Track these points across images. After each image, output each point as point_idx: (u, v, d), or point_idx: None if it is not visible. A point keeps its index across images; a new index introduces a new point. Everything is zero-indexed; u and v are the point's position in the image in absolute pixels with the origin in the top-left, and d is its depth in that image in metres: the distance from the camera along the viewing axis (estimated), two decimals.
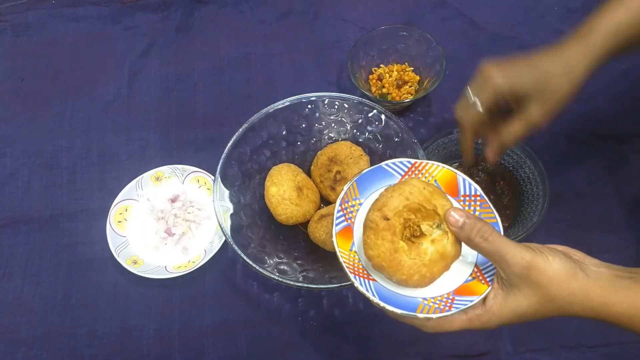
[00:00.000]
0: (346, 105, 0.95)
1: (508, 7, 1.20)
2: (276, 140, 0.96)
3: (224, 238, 0.90)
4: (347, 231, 0.65)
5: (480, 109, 0.75)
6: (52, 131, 1.10)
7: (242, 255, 0.79)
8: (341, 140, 0.98)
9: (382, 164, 0.68)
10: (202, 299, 0.92)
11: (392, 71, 1.10)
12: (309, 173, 0.98)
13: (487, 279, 0.60)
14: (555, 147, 1.02)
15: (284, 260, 0.86)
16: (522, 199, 0.95)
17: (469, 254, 0.63)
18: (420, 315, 0.58)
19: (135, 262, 0.92)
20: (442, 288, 0.61)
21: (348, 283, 0.77)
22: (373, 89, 1.09)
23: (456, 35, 1.16)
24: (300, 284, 0.78)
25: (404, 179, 0.66)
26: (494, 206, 0.93)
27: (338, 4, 1.23)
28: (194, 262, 0.92)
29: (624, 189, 0.98)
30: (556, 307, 0.55)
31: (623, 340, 0.85)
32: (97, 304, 0.93)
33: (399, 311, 0.58)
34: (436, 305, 0.59)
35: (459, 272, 0.62)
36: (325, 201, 0.96)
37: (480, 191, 0.65)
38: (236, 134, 0.89)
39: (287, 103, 0.92)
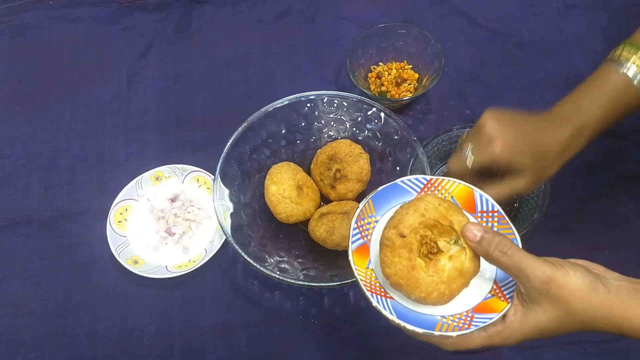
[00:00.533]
0: (345, 104, 0.95)
1: (507, 3, 1.20)
2: (276, 139, 0.96)
3: (224, 237, 0.90)
4: (364, 249, 0.64)
5: (469, 167, 0.76)
6: (50, 132, 1.10)
7: (243, 254, 0.79)
8: (341, 138, 0.98)
9: (398, 180, 0.67)
10: (202, 298, 0.92)
11: (391, 69, 1.10)
12: (308, 171, 0.98)
13: (507, 296, 0.59)
14: None
15: (284, 258, 0.86)
16: (521, 196, 0.95)
17: (488, 270, 0.62)
18: (438, 334, 0.57)
19: (135, 262, 0.92)
20: (461, 306, 0.60)
21: (349, 281, 0.77)
22: (372, 87, 1.09)
23: (455, 33, 1.16)
24: (301, 283, 0.78)
25: (419, 196, 0.65)
26: None
27: (336, 3, 1.23)
28: (194, 261, 0.92)
29: (624, 184, 0.98)
30: (577, 321, 0.54)
31: (624, 337, 0.85)
32: (97, 305, 0.93)
33: (418, 330, 0.57)
34: (455, 323, 0.58)
35: (478, 289, 0.61)
36: (325, 199, 0.96)
37: (497, 207, 0.65)
38: (235, 133, 0.89)
39: (286, 102, 0.92)
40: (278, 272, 0.79)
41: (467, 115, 1.07)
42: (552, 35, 1.16)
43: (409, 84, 1.08)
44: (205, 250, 0.94)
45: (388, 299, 0.61)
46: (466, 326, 0.57)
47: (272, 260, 0.85)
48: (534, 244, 0.91)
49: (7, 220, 1.01)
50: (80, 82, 1.16)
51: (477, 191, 0.66)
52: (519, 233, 0.87)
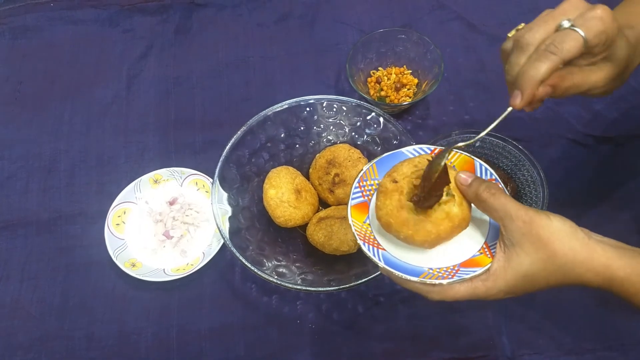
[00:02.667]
0: (344, 108, 0.96)
1: (506, 9, 1.20)
2: (275, 143, 0.96)
3: (222, 241, 0.90)
4: (363, 206, 0.68)
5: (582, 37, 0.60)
6: (50, 134, 1.10)
7: (241, 258, 0.79)
8: (339, 142, 0.98)
9: (402, 149, 0.71)
10: (200, 301, 0.92)
11: (391, 74, 1.10)
12: (307, 176, 0.98)
13: (494, 254, 0.61)
14: (553, 150, 1.02)
15: (282, 262, 0.86)
16: (520, 201, 0.95)
17: (480, 231, 0.64)
18: (421, 280, 0.59)
19: (133, 265, 0.92)
20: (449, 260, 0.63)
21: (347, 286, 0.77)
22: (371, 92, 1.09)
23: (454, 38, 1.17)
24: (298, 287, 0.78)
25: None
26: None
27: (336, 7, 1.24)
28: (192, 264, 0.92)
29: (622, 191, 0.98)
30: (559, 265, 0.55)
31: (623, 343, 0.85)
32: (95, 307, 0.93)
33: (403, 275, 0.60)
34: (440, 274, 0.61)
35: (468, 248, 0.63)
36: (324, 204, 0.96)
37: (495, 175, 0.67)
38: (234, 136, 0.89)
39: (286, 106, 0.92)
40: (276, 276, 0.79)
41: (467, 120, 1.07)
42: None
43: (408, 89, 1.08)
44: (203, 253, 0.94)
45: (380, 250, 0.64)
46: (450, 277, 0.59)
47: (270, 264, 0.85)
48: None
49: (5, 221, 1.01)
50: (80, 84, 1.16)
51: (477, 161, 0.68)
52: None
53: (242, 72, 1.16)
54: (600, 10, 0.60)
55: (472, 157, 0.69)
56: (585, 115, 1.06)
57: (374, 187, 0.69)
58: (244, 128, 0.89)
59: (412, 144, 0.71)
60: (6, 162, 1.07)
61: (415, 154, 0.70)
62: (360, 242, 0.63)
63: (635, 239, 0.93)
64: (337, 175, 0.93)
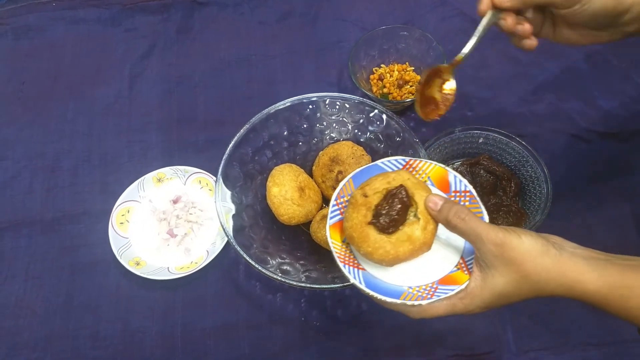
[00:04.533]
0: (347, 106, 0.95)
1: None
2: (277, 140, 0.96)
3: (226, 239, 0.90)
4: (341, 224, 0.67)
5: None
6: (53, 134, 1.10)
7: (245, 255, 0.79)
8: (342, 140, 0.98)
9: (378, 161, 0.70)
10: (204, 300, 0.92)
11: (393, 71, 1.10)
12: (310, 173, 0.97)
13: (470, 270, 0.62)
14: (556, 146, 1.02)
15: (286, 260, 0.86)
16: (524, 198, 0.95)
17: (456, 246, 0.65)
18: (401, 302, 0.60)
19: (137, 264, 0.92)
20: (427, 278, 0.64)
21: (351, 283, 0.77)
22: (374, 89, 1.09)
23: (457, 34, 1.16)
24: (303, 284, 0.78)
25: (396, 170, 0.68)
26: (497, 206, 0.93)
27: (338, 5, 1.23)
28: (196, 263, 0.92)
29: (626, 187, 0.98)
30: (532, 284, 0.56)
31: (626, 339, 0.85)
32: (99, 306, 0.93)
33: (383, 298, 0.61)
34: (419, 294, 0.61)
35: (445, 263, 0.64)
36: (327, 201, 0.96)
37: (470, 187, 0.67)
38: (237, 134, 0.89)
39: (288, 103, 0.92)
40: (280, 274, 0.79)
41: (469, 117, 1.07)
42: None
43: (410, 86, 1.08)
44: (207, 251, 0.94)
45: (360, 270, 0.65)
46: (429, 296, 0.60)
47: (274, 262, 0.85)
48: None
49: (10, 221, 1.01)
50: (82, 84, 1.16)
51: (452, 172, 0.69)
52: None
53: (245, 71, 1.16)
54: None
55: (447, 168, 0.69)
56: (589, 112, 1.06)
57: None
58: (246, 126, 0.89)
59: (388, 157, 0.71)
60: (10, 162, 1.07)
61: (391, 167, 0.70)
62: (340, 264, 0.64)
63: (637, 234, 0.93)
64: (340, 172, 0.93)
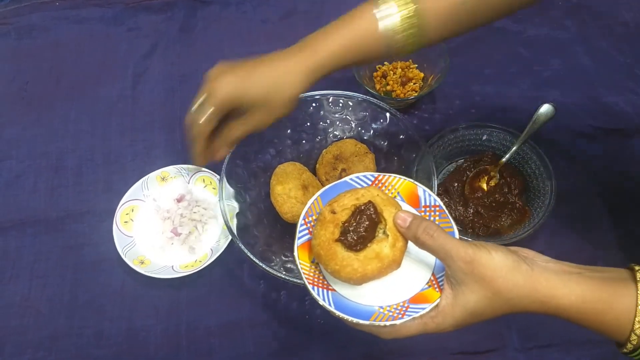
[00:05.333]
0: (350, 103, 0.95)
1: None
2: (281, 138, 0.96)
3: (230, 237, 0.90)
4: (310, 244, 0.66)
5: (210, 118, 0.77)
6: (57, 133, 1.10)
7: (249, 254, 0.79)
8: (346, 138, 0.98)
9: (347, 178, 0.69)
10: (209, 298, 0.92)
11: (396, 68, 1.09)
12: (314, 171, 0.97)
13: (442, 287, 0.60)
14: (560, 142, 1.02)
15: (290, 258, 0.86)
16: (528, 195, 0.95)
17: (427, 263, 0.63)
18: (369, 323, 0.59)
19: (142, 262, 0.92)
20: (399, 296, 0.62)
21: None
22: (377, 87, 1.09)
23: None
24: None
25: (365, 187, 0.67)
26: (500, 203, 0.93)
27: (341, 3, 1.21)
28: (200, 261, 0.92)
29: (631, 183, 0.97)
30: (505, 300, 0.55)
31: None
32: (104, 305, 0.93)
33: (354, 320, 0.59)
34: (390, 313, 0.60)
35: (417, 281, 0.63)
36: None
37: (439, 202, 0.67)
38: None
39: None
40: (284, 272, 0.79)
41: (473, 114, 1.07)
42: (558, 33, 1.16)
43: (414, 83, 1.08)
44: (212, 250, 0.94)
45: (330, 291, 0.63)
46: (400, 316, 0.59)
47: (278, 260, 0.85)
48: (540, 243, 0.92)
49: (14, 221, 1.01)
50: (85, 83, 1.16)
51: (421, 187, 0.68)
52: (526, 231, 0.88)
53: None
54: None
55: (415, 182, 0.69)
56: (593, 108, 1.06)
57: None
58: None
59: (357, 173, 0.70)
60: (14, 162, 1.08)
61: (360, 184, 0.69)
62: (309, 287, 0.62)
63: None
64: (344, 170, 0.93)
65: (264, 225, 0.90)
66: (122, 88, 1.15)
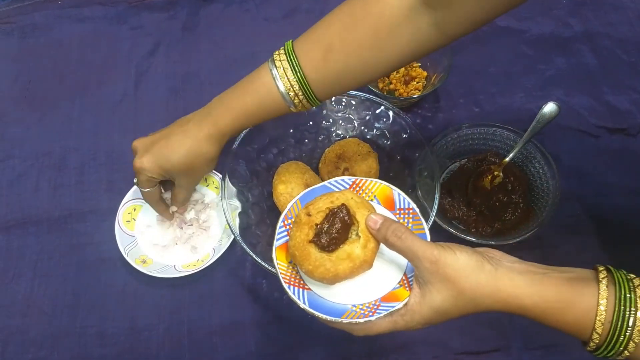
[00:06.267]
0: (353, 102, 0.95)
1: None
2: (283, 138, 0.96)
3: (232, 237, 0.90)
4: (287, 245, 0.68)
5: (150, 192, 0.88)
6: (59, 132, 1.10)
7: (251, 253, 0.79)
8: (349, 137, 0.98)
9: (325, 182, 0.72)
10: (211, 298, 0.92)
11: None
12: (317, 170, 0.97)
13: (412, 286, 0.62)
14: (564, 142, 1.02)
15: None
16: (532, 194, 0.95)
17: (399, 264, 0.66)
18: (345, 321, 0.61)
19: (144, 262, 0.92)
20: (371, 295, 0.64)
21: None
22: (380, 85, 1.08)
23: None
24: None
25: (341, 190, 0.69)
26: (504, 202, 0.93)
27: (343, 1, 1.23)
28: (202, 261, 0.92)
29: (635, 182, 0.97)
30: (469, 299, 0.57)
31: None
32: (106, 304, 0.93)
33: (327, 317, 0.62)
34: (362, 311, 0.62)
35: (389, 281, 0.65)
36: None
37: (412, 205, 0.70)
38: (243, 132, 0.89)
39: None
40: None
41: (476, 113, 1.06)
42: (562, 32, 1.15)
43: (417, 82, 1.07)
44: (214, 249, 0.94)
45: (306, 290, 0.66)
46: (371, 314, 0.61)
47: None
48: (545, 243, 0.92)
49: (17, 220, 1.01)
50: (88, 82, 1.16)
51: (396, 190, 0.71)
52: (530, 231, 0.87)
53: (251, 68, 1.14)
54: None
55: (391, 186, 0.71)
56: (597, 107, 1.05)
57: None
58: None
59: (336, 177, 0.73)
60: (17, 161, 1.08)
61: (338, 187, 0.72)
62: (285, 285, 0.65)
63: None
64: (346, 169, 0.92)
65: (266, 224, 0.90)
66: (125, 87, 1.15)
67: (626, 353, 0.53)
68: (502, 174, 0.94)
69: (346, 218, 0.63)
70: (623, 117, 1.04)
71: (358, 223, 0.63)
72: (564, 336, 0.84)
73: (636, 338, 0.52)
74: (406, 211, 0.70)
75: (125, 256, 0.91)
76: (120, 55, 1.20)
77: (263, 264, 0.78)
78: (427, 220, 0.77)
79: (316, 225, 0.63)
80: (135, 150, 0.84)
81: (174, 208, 0.95)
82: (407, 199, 0.70)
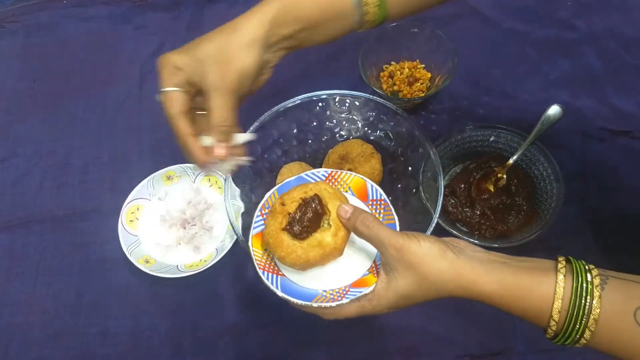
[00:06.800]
0: (357, 103, 0.95)
1: (520, 2, 1.19)
2: (287, 138, 0.96)
3: (235, 237, 0.90)
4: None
5: (180, 96, 0.71)
6: (64, 131, 1.11)
7: (254, 254, 0.79)
8: (352, 138, 0.98)
9: (302, 174, 0.76)
10: (213, 298, 0.92)
11: (404, 68, 1.09)
12: None
13: (380, 272, 0.65)
14: (568, 144, 1.01)
15: None
16: (535, 197, 0.94)
17: (369, 252, 0.69)
18: (315, 305, 0.64)
19: (147, 262, 0.92)
20: (341, 281, 0.68)
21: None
22: (384, 87, 1.08)
23: (468, 32, 1.16)
24: None
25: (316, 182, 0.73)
26: (507, 205, 0.93)
27: None
28: (205, 261, 0.92)
29: (638, 185, 0.97)
30: (431, 285, 0.59)
31: None
32: (109, 304, 0.93)
33: (298, 301, 0.65)
34: (332, 296, 0.65)
35: (359, 268, 0.68)
36: None
37: (384, 196, 0.74)
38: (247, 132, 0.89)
39: (298, 101, 0.92)
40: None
41: (480, 114, 1.06)
42: (567, 33, 1.15)
43: (421, 84, 1.07)
44: (217, 250, 0.94)
45: (279, 276, 0.69)
46: (340, 298, 0.64)
47: None
48: (548, 245, 0.91)
49: (20, 218, 1.02)
50: (93, 81, 1.16)
51: (369, 182, 0.76)
52: (534, 234, 0.87)
53: None
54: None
55: (364, 178, 0.76)
56: (602, 109, 1.05)
57: None
58: (256, 124, 0.89)
59: (313, 170, 0.77)
60: (21, 159, 1.08)
61: (314, 179, 0.76)
62: (259, 271, 0.68)
63: None
64: (350, 170, 0.92)
65: None
66: (129, 86, 1.15)
67: (583, 341, 0.55)
68: (505, 176, 0.94)
69: (318, 208, 0.66)
70: (628, 120, 1.04)
71: (330, 212, 0.66)
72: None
73: (592, 327, 0.54)
74: (378, 202, 0.74)
75: (128, 256, 0.92)
76: (125, 54, 1.20)
77: None
78: (430, 222, 0.78)
79: (289, 214, 0.66)
80: (165, 56, 0.73)
81: (207, 141, 0.72)
82: (380, 190, 0.74)
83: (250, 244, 0.71)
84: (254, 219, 0.73)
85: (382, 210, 0.73)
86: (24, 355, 0.90)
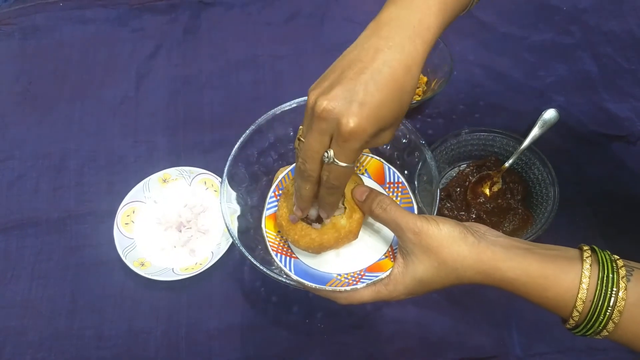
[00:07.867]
0: None
1: (517, 6, 1.19)
2: (283, 142, 0.96)
3: (231, 240, 0.90)
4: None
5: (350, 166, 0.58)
6: (59, 134, 1.10)
7: (250, 257, 0.78)
8: None
9: None
10: (209, 301, 0.92)
11: None
12: None
13: (397, 256, 0.63)
14: (564, 148, 1.02)
15: None
16: (531, 201, 0.95)
17: (385, 236, 0.68)
18: (329, 288, 0.62)
19: (142, 264, 0.92)
20: (357, 265, 0.66)
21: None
22: None
23: (464, 36, 1.16)
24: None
25: None
26: (503, 208, 0.93)
27: (346, 6, 1.23)
28: (201, 264, 0.92)
29: (635, 190, 0.97)
30: (450, 270, 0.57)
31: None
32: (104, 306, 0.93)
33: (311, 285, 0.63)
34: (347, 281, 0.64)
35: (375, 252, 0.67)
36: None
37: (402, 178, 0.72)
38: (243, 135, 0.89)
39: (295, 105, 0.91)
40: (284, 276, 0.78)
41: (477, 119, 1.06)
42: (563, 38, 1.16)
43: (417, 88, 1.07)
44: (212, 253, 0.94)
45: (292, 259, 0.68)
46: (355, 283, 0.63)
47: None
48: None
49: (16, 221, 1.01)
50: (89, 84, 1.16)
51: (386, 164, 0.74)
52: (528, 238, 0.87)
53: (251, 72, 1.16)
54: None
55: (382, 160, 0.74)
56: (597, 114, 1.05)
57: None
58: (252, 127, 0.89)
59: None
60: (16, 162, 1.08)
61: None
62: (272, 252, 0.67)
63: None
64: None
65: None
66: (125, 89, 1.15)
67: (605, 333, 0.54)
68: (501, 180, 0.94)
69: None
70: (623, 125, 1.04)
71: (344, 195, 0.65)
72: (561, 343, 0.85)
73: (616, 318, 0.52)
74: (395, 185, 0.72)
75: (123, 258, 0.91)
76: (121, 57, 1.20)
77: (261, 267, 0.77)
78: None
79: None
80: (320, 103, 0.60)
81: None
82: (397, 173, 0.72)
83: (263, 225, 0.69)
84: (267, 200, 0.72)
85: (399, 194, 0.71)
86: (19, 358, 0.89)
